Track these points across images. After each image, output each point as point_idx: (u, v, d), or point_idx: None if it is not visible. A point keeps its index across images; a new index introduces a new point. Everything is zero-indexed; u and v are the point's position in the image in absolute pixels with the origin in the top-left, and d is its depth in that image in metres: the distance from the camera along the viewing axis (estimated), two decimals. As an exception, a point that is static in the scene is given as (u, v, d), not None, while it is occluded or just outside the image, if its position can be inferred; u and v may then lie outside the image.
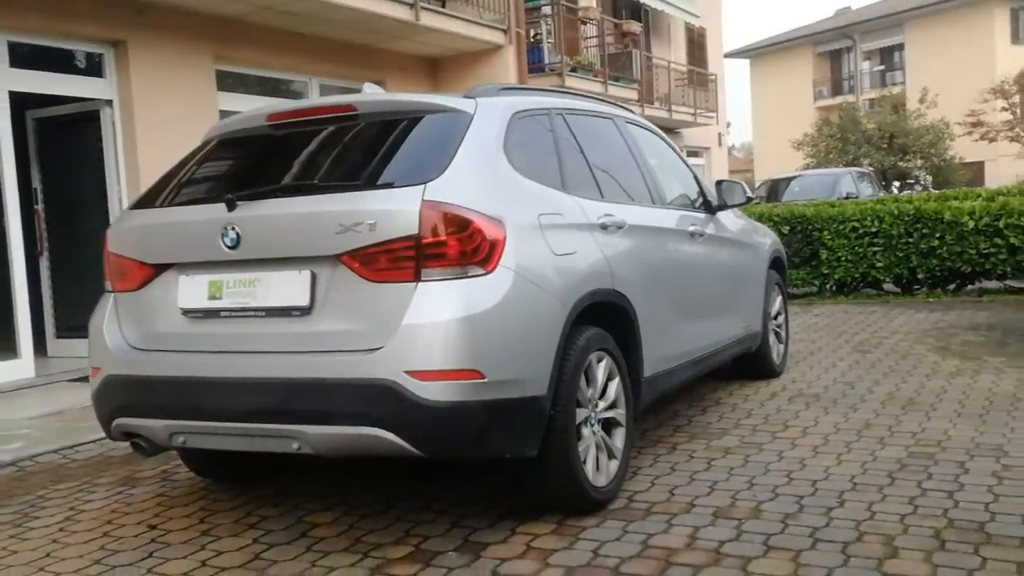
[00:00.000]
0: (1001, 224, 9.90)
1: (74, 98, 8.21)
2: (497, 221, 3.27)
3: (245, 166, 3.88)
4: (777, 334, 6.33)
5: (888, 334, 7.94)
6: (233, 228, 3.36)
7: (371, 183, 3.39)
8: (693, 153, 24.73)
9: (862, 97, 44.59)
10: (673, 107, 21.06)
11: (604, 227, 3.92)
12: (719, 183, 5.38)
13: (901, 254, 10.39)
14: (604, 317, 3.78)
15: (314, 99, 3.94)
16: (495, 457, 3.30)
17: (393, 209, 3.18)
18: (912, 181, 29.40)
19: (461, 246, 3.16)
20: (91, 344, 3.80)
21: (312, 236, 3.28)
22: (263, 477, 4.35)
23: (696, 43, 26.00)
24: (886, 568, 2.98)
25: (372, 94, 3.97)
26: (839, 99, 46.44)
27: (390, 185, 3.32)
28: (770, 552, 3.17)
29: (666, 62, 21.24)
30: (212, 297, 3.48)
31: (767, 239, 6.27)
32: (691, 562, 3.12)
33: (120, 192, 8.37)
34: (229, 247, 3.38)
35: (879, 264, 10.51)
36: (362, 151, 3.67)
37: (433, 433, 3.13)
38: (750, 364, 6.02)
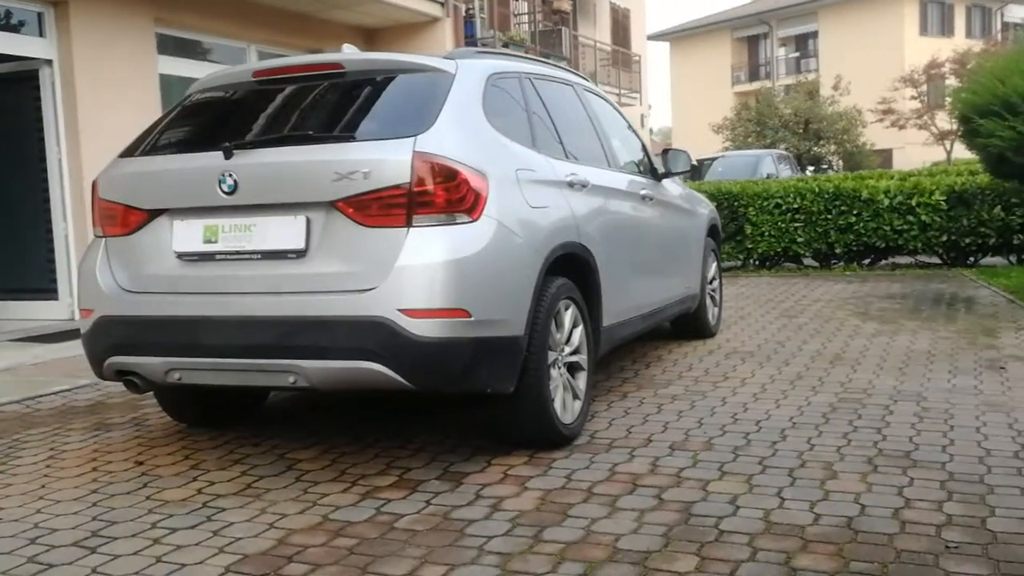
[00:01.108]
0: (913, 203, 10.53)
1: (11, 56, 8.12)
2: (481, 173, 3.53)
3: (236, 118, 4.04)
4: (712, 298, 6.73)
5: (811, 302, 8.45)
6: (230, 175, 3.54)
7: (364, 135, 3.62)
8: (617, 133, 25.25)
9: (778, 83, 45.85)
10: (599, 87, 21.46)
11: (571, 185, 4.21)
12: (665, 151, 5.73)
13: (820, 230, 10.97)
14: (570, 268, 4.07)
15: (300, 57, 4.11)
16: (477, 391, 3.57)
17: (386, 159, 3.42)
18: (825, 166, 30.50)
19: (449, 195, 3.41)
20: (81, 287, 3.93)
21: (308, 183, 3.49)
22: (237, 421, 4.53)
23: (620, 24, 26.50)
24: (827, 487, 3.35)
25: (357, 53, 4.16)
26: (756, 84, 47.71)
27: (382, 137, 3.54)
28: (725, 476, 3.51)
29: (592, 41, 21.62)
30: (207, 241, 3.66)
31: (705, 208, 6.65)
32: (656, 484, 3.45)
33: (60, 153, 8.34)
34: (226, 193, 3.56)
35: (800, 239, 11.07)
36: (352, 106, 3.87)
37: (423, 367, 3.38)
38: (688, 325, 6.41)
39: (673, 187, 5.94)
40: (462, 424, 4.39)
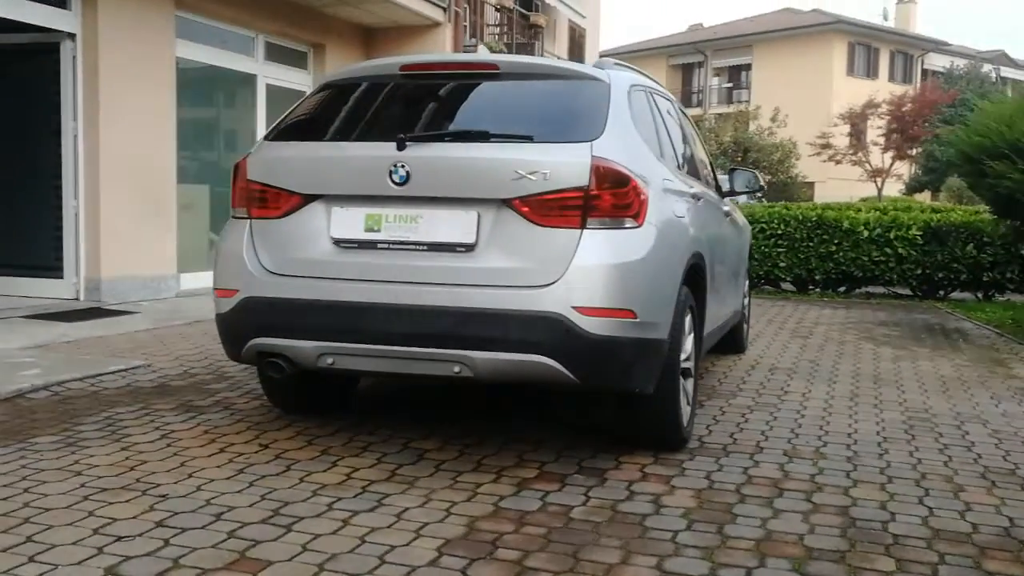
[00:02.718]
0: (891, 235, 11.02)
1: (33, 27, 7.89)
2: (644, 180, 3.65)
3: (394, 111, 4.06)
4: (744, 315, 6.96)
5: (812, 324, 8.78)
6: (404, 166, 3.59)
7: (541, 137, 3.69)
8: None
9: (710, 111, 47.06)
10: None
11: (694, 197, 4.37)
12: (732, 170, 5.94)
13: (802, 256, 11.37)
14: (690, 278, 4.22)
15: (449, 55, 4.16)
16: (630, 390, 3.67)
17: (567, 162, 3.51)
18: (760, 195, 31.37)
19: (620, 200, 3.53)
20: (223, 267, 3.90)
21: (484, 180, 3.56)
22: (329, 411, 4.53)
23: (577, 43, 26.88)
24: (963, 498, 3.55)
25: (506, 55, 4.22)
26: (689, 111, 48.80)
27: (559, 140, 3.64)
28: (859, 484, 3.69)
29: (557, 57, 21.89)
30: (369, 229, 3.68)
31: (747, 226, 6.89)
32: (798, 488, 3.60)
33: (76, 128, 8.12)
34: (397, 184, 3.60)
35: (782, 264, 11.46)
36: (517, 107, 3.94)
37: (592, 364, 3.48)
38: (727, 339, 6.61)
39: (730, 205, 6.16)
40: (544, 421, 4.50)
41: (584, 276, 3.45)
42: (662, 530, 3.11)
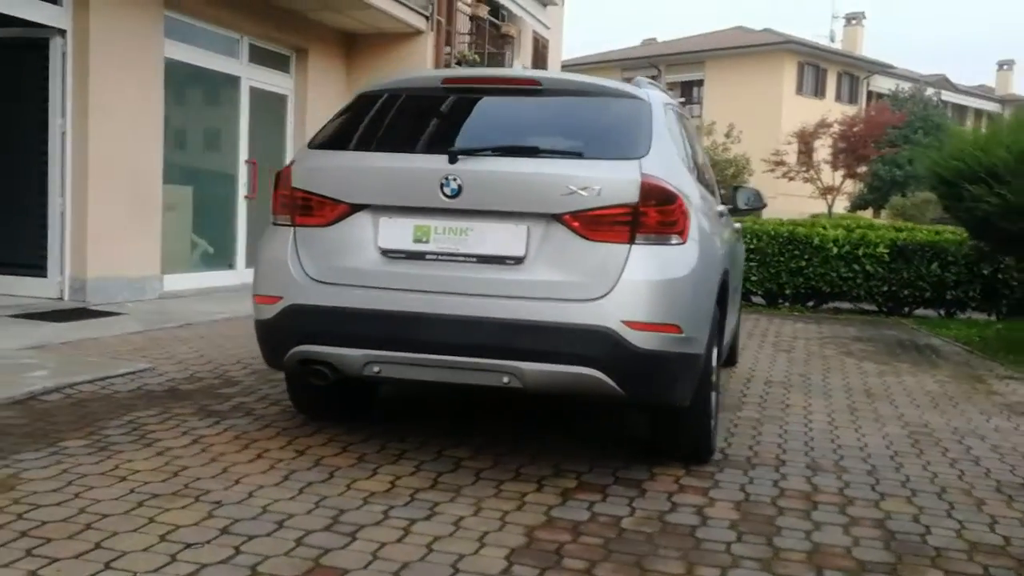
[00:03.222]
0: (860, 252, 11.32)
1: (22, 21, 7.76)
2: (688, 198, 3.75)
3: (442, 123, 4.09)
4: (737, 328, 7.11)
5: (790, 338, 8.98)
6: (455, 179, 3.64)
7: (591, 153, 3.77)
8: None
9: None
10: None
11: (720, 215, 4.49)
12: (735, 188, 6.07)
13: (773, 270, 11.62)
14: (719, 293, 4.33)
15: (490, 70, 4.21)
16: (671, 404, 3.76)
17: (618, 178, 3.60)
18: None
19: (667, 217, 3.62)
20: (266, 273, 3.90)
21: (536, 195, 3.63)
22: (353, 418, 4.54)
23: (540, 53, 27.04)
24: (986, 511, 3.70)
25: (546, 72, 4.28)
26: (642, 124, 49.37)
27: (608, 157, 3.72)
28: (886, 497, 3.82)
29: (523, 66, 22.03)
30: (418, 240, 3.72)
31: (742, 241, 7.06)
32: (830, 501, 3.71)
33: (64, 126, 7.99)
34: (448, 196, 3.65)
35: (754, 278, 11.68)
36: (562, 123, 4.01)
37: (638, 377, 3.56)
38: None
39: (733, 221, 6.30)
40: (568, 431, 4.57)
41: (633, 291, 3.53)
42: (715, 541, 3.20)
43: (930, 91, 47.85)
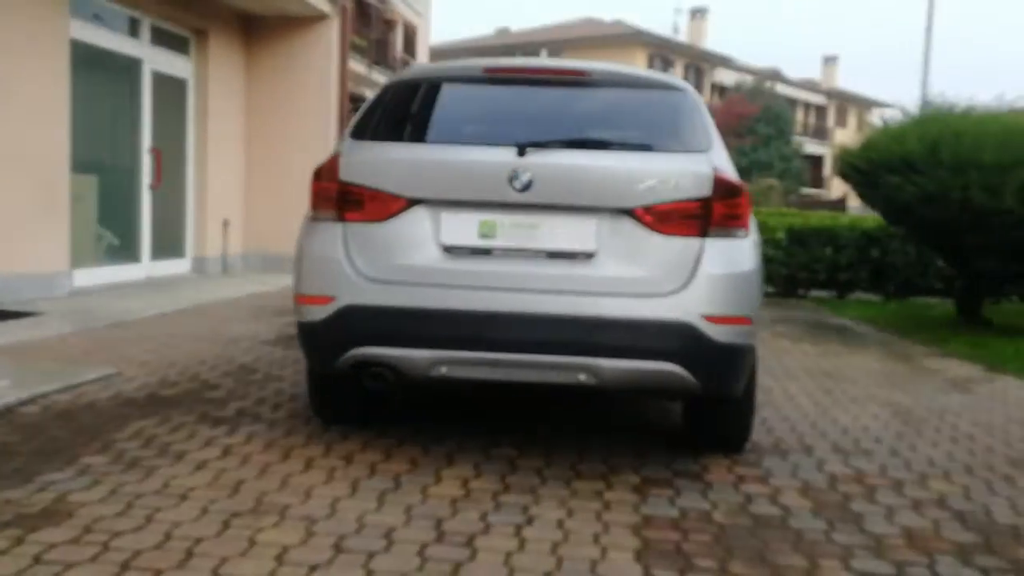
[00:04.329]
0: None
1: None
2: (746, 192, 3.78)
3: (498, 114, 3.92)
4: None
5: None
6: (526, 173, 3.53)
7: (658, 147, 3.73)
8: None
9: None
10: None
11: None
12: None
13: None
14: None
15: (534, 60, 4.04)
16: (734, 395, 3.78)
17: (690, 172, 3.57)
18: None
19: (734, 210, 3.63)
20: (313, 272, 3.67)
21: (608, 188, 3.56)
22: (368, 423, 4.36)
23: (410, 39, 26.71)
24: (1020, 484, 3.92)
25: (590, 63, 4.17)
26: (498, 111, 49.74)
27: (677, 150, 3.69)
28: (927, 479, 3.96)
29: (400, 52, 21.68)
30: (483, 236, 3.59)
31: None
32: (879, 483, 3.83)
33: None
34: (518, 190, 3.53)
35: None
36: (618, 114, 3.93)
37: (715, 370, 3.56)
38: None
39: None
40: (580, 424, 4.57)
41: (710, 285, 3.53)
42: (812, 530, 3.23)
43: (768, 83, 50.24)
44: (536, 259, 3.59)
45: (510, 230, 3.59)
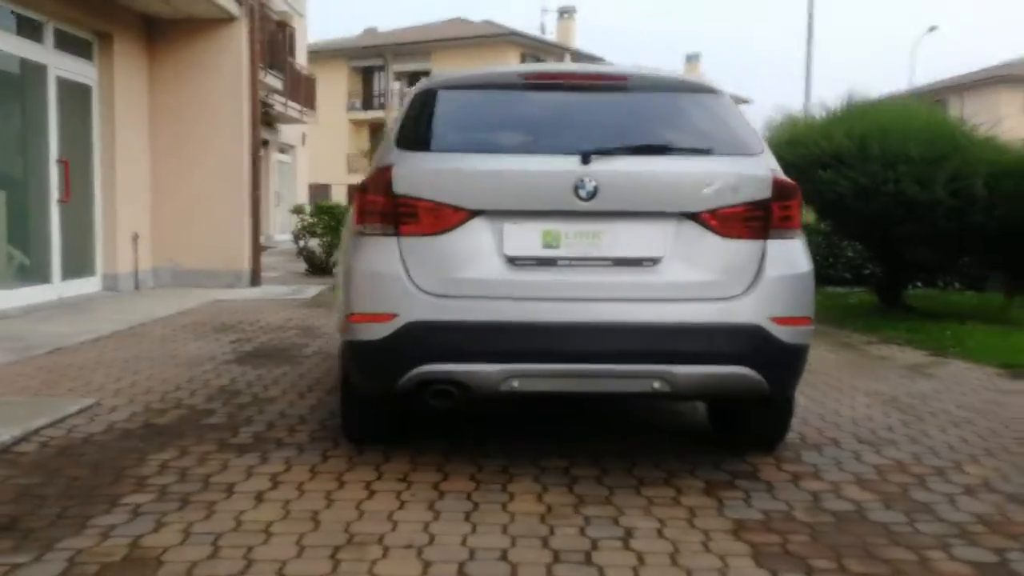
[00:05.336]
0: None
1: None
2: (800, 193, 3.81)
3: (549, 121, 3.80)
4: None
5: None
6: (592, 181, 3.46)
7: (717, 150, 3.71)
8: (282, 150, 24.83)
9: (393, 115, 47.61)
10: (289, 102, 21.07)
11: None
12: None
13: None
14: None
15: (572, 65, 3.98)
16: (791, 394, 3.82)
17: (752, 175, 3.59)
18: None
19: (790, 212, 3.67)
20: (370, 289, 3.49)
21: (673, 194, 3.53)
22: (400, 442, 4.21)
23: (291, 40, 26.08)
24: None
25: (632, 67, 4.09)
26: (371, 114, 49.30)
27: (736, 154, 3.68)
28: (962, 464, 4.07)
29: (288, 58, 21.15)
30: (547, 246, 3.50)
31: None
32: (924, 472, 3.93)
33: None
34: (583, 199, 3.46)
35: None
36: (669, 119, 3.85)
37: (784, 371, 3.59)
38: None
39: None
40: (603, 428, 4.56)
41: (776, 287, 3.55)
42: (897, 523, 3.28)
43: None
44: (602, 267, 3.53)
45: (574, 239, 3.52)
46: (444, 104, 3.87)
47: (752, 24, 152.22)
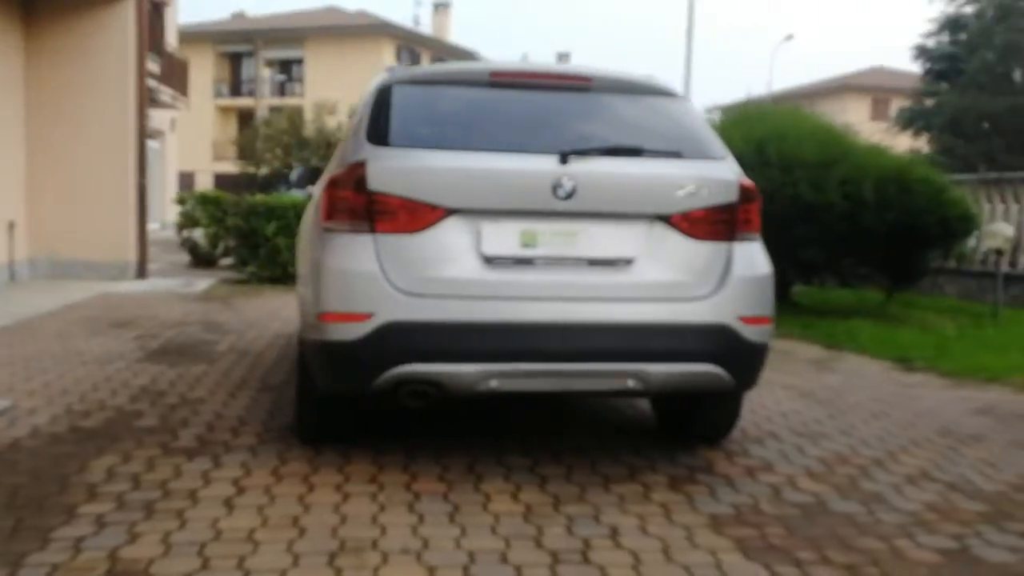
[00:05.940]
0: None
1: None
2: (759, 198, 3.92)
3: (521, 120, 3.75)
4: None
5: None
6: (570, 181, 3.47)
7: (687, 154, 3.76)
8: (151, 136, 23.83)
9: (263, 103, 46.46)
10: (162, 86, 20.23)
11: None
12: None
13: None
14: None
15: (539, 64, 3.93)
16: (751, 388, 3.92)
17: (720, 179, 3.68)
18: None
19: (751, 215, 3.78)
20: (345, 288, 3.39)
21: (648, 195, 3.58)
22: (351, 442, 4.11)
23: (160, 18, 25.07)
24: (963, 453, 4.39)
25: (594, 68, 4.08)
26: (239, 100, 47.93)
27: (704, 157, 3.75)
28: (897, 454, 4.33)
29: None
30: (525, 245, 3.49)
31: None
32: (861, 463, 4.12)
33: None
34: (561, 198, 3.47)
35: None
36: (636, 121, 3.87)
37: (748, 369, 3.70)
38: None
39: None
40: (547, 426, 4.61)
41: (743, 287, 3.65)
42: (856, 513, 3.44)
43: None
44: (577, 267, 3.55)
45: (551, 239, 3.53)
46: (414, 99, 3.80)
47: (628, 23, 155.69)
